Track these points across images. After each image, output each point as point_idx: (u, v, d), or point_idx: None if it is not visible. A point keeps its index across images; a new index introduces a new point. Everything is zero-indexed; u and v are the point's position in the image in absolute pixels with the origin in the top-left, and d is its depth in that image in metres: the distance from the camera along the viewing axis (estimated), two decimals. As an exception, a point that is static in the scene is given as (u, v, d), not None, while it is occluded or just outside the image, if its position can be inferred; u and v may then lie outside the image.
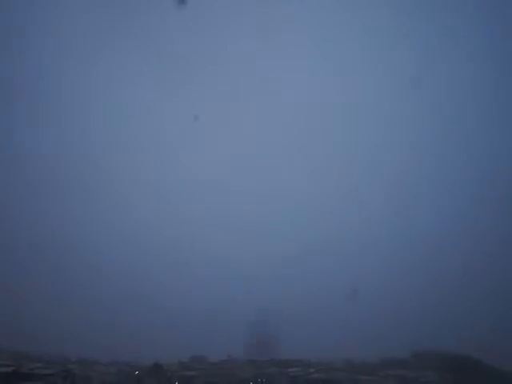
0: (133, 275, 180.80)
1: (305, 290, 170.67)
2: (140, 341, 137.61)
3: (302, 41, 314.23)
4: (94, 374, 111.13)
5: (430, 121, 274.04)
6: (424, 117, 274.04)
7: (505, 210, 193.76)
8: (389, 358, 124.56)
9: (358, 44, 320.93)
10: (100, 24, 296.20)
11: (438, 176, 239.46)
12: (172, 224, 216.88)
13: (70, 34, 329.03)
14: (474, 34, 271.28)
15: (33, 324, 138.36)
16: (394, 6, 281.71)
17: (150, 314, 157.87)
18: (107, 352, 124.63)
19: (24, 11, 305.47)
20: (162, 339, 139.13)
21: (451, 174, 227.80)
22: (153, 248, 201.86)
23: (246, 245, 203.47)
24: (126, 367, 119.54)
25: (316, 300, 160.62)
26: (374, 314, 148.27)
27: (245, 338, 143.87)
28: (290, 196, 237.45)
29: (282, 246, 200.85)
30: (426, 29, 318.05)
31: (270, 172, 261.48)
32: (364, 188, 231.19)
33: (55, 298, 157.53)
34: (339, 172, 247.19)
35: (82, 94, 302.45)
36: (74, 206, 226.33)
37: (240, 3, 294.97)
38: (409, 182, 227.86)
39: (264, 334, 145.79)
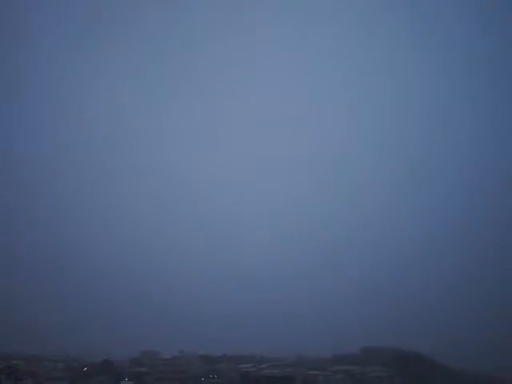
0: (82, 271, 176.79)
1: (258, 286, 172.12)
2: (90, 337, 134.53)
3: (306, 53, 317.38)
4: (41, 370, 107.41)
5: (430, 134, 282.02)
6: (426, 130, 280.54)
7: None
8: (339, 353, 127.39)
9: (364, 56, 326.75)
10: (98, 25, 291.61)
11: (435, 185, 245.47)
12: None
13: (68, 35, 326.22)
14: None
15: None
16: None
17: (100, 311, 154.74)
18: (55, 348, 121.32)
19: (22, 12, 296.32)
20: (113, 335, 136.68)
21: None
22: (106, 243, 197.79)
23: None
24: (75, 363, 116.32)
25: (269, 297, 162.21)
26: (325, 311, 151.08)
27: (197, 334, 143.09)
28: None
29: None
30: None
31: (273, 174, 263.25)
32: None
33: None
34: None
35: (81, 95, 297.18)
36: (73, 206, 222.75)
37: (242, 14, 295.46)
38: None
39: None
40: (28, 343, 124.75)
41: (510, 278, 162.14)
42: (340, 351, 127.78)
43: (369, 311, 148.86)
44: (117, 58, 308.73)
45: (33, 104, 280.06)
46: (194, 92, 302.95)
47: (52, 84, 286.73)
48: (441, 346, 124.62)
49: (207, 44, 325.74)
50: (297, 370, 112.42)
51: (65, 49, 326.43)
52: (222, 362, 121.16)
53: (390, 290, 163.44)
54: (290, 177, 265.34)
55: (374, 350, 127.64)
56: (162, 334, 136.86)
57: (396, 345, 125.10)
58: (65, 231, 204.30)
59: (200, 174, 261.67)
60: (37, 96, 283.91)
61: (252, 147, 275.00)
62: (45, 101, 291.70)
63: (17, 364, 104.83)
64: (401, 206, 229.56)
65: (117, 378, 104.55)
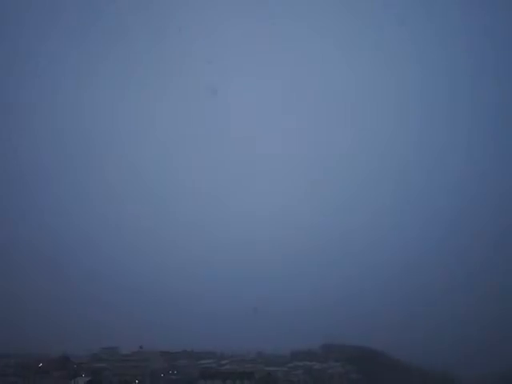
0: (40, 267, 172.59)
1: (218, 282, 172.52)
2: (48, 332, 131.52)
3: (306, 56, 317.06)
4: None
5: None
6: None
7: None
8: (298, 349, 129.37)
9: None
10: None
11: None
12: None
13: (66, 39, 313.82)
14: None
15: None
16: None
17: (59, 305, 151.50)
18: (10, 344, 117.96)
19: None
20: (73, 331, 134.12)
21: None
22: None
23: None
24: (30, 359, 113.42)
25: (230, 294, 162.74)
26: (285, 309, 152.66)
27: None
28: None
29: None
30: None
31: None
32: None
33: None
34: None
35: (77, 94, 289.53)
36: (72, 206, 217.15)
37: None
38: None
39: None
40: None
41: (471, 277, 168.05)
42: (299, 348, 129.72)
43: (328, 308, 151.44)
44: (117, 57, 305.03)
45: (31, 105, 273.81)
46: (196, 94, 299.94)
47: (51, 84, 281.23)
48: (397, 343, 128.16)
49: (207, 43, 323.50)
50: (256, 366, 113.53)
51: (64, 49, 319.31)
52: (183, 358, 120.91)
53: (349, 288, 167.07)
54: (289, 176, 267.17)
55: (332, 347, 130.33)
56: (121, 330, 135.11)
57: (354, 342, 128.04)
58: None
59: (199, 172, 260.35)
60: (35, 97, 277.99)
61: (252, 147, 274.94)
62: (43, 102, 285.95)
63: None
64: (401, 205, 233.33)
65: (74, 374, 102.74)
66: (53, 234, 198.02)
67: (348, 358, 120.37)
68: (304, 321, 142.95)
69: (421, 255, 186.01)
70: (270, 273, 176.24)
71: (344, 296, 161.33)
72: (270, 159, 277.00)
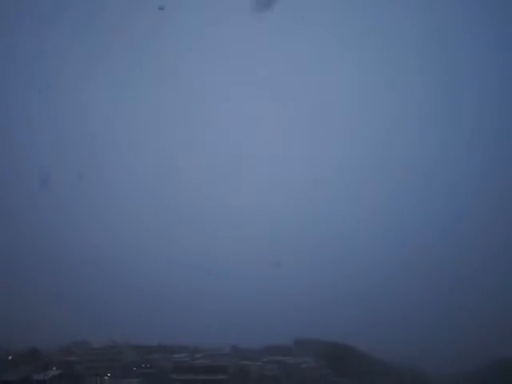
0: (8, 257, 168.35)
1: (192, 276, 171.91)
2: (17, 325, 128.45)
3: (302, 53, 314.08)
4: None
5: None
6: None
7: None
8: (272, 344, 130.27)
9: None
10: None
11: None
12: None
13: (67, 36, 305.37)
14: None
15: None
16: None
17: (27, 297, 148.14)
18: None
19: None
20: (42, 323, 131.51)
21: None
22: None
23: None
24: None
25: (204, 289, 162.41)
26: (259, 302, 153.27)
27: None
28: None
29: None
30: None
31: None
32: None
33: None
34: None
35: (77, 93, 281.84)
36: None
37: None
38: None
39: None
40: None
41: (448, 275, 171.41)
42: (273, 342, 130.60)
43: (302, 304, 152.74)
44: (116, 56, 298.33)
45: (30, 105, 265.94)
46: (193, 91, 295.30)
47: (51, 84, 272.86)
48: (370, 338, 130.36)
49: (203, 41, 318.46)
50: (230, 360, 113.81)
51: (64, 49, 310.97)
52: (156, 351, 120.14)
53: (322, 282, 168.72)
54: (289, 175, 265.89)
55: (306, 342, 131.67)
56: (93, 323, 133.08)
57: (327, 337, 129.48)
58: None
59: (198, 169, 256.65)
60: (33, 96, 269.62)
61: (251, 145, 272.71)
62: (41, 100, 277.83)
63: None
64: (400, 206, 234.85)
65: (44, 367, 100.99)
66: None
67: (321, 353, 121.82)
68: (278, 316, 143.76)
69: (394, 253, 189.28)
70: (245, 270, 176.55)
71: (318, 292, 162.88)
72: (270, 158, 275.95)
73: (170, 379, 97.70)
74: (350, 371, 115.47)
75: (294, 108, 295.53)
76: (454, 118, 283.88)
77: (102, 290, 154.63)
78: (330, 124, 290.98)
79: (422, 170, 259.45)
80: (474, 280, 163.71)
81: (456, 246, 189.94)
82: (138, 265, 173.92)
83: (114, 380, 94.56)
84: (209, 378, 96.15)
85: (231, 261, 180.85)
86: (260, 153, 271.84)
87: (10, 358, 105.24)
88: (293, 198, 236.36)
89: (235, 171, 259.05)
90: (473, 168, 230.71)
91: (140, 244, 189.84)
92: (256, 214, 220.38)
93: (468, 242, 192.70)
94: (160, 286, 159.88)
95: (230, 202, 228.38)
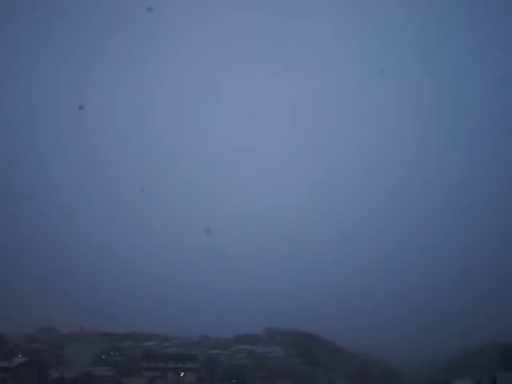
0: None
1: (164, 265, 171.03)
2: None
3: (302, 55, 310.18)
4: None
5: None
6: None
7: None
8: (242, 333, 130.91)
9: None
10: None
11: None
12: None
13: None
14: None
15: None
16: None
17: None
18: None
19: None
20: (7, 309, 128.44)
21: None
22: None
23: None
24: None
25: (174, 277, 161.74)
26: (230, 292, 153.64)
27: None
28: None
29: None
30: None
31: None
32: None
33: None
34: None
35: (77, 92, 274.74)
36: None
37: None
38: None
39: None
40: None
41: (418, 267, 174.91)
42: (243, 332, 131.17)
43: (272, 293, 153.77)
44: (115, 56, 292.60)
45: (28, 103, 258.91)
46: (196, 93, 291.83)
47: (50, 83, 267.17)
48: (339, 328, 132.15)
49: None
50: (200, 348, 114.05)
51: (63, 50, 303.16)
52: (125, 339, 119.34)
53: (294, 273, 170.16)
54: (288, 175, 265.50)
55: (275, 332, 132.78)
56: (61, 310, 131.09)
57: (297, 327, 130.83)
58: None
59: (198, 168, 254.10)
60: (34, 93, 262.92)
61: (253, 146, 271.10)
62: (42, 99, 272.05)
63: None
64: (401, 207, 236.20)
65: (9, 355, 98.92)
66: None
67: (290, 342, 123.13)
68: (249, 305, 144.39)
69: (362, 245, 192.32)
70: (218, 258, 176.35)
71: (288, 282, 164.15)
72: (270, 157, 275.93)
73: (139, 367, 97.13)
74: (320, 361, 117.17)
75: (293, 108, 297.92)
76: (454, 119, 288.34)
77: (71, 276, 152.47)
78: (330, 124, 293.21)
79: (422, 170, 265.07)
80: (438, 272, 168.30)
81: (422, 238, 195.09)
82: (108, 251, 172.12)
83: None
84: (178, 366, 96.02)
85: (201, 250, 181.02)
86: (264, 151, 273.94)
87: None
88: (288, 198, 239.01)
89: (239, 173, 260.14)
90: (473, 168, 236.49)
91: (110, 233, 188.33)
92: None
93: (435, 235, 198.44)
94: (130, 274, 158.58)
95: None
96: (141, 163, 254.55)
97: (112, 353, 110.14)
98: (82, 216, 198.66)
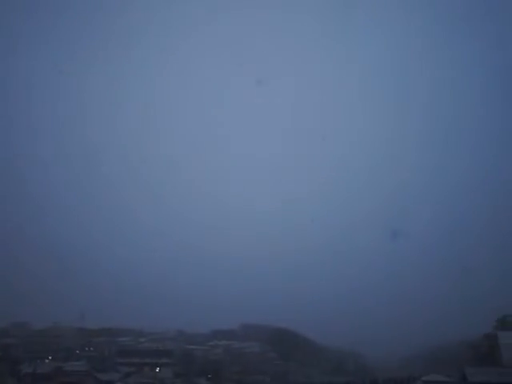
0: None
1: (140, 259, 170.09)
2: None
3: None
4: None
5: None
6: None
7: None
8: (219, 329, 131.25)
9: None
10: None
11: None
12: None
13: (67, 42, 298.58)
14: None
15: None
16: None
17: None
18: None
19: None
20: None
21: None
22: None
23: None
24: None
25: (150, 271, 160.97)
26: (206, 288, 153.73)
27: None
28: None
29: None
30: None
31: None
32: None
33: None
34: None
35: (79, 98, 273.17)
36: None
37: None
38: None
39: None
40: None
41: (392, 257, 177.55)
42: (220, 327, 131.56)
43: (249, 289, 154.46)
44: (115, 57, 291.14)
45: (30, 106, 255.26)
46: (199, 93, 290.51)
47: (50, 84, 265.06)
48: (312, 324, 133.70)
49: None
50: (176, 344, 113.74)
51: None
52: (100, 334, 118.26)
53: (270, 270, 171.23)
54: (289, 176, 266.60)
55: (251, 327, 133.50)
56: (34, 304, 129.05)
57: (272, 322, 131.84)
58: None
59: (199, 169, 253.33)
60: (33, 95, 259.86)
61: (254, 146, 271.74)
62: (43, 100, 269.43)
63: None
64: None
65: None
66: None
67: (266, 338, 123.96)
68: (225, 300, 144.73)
69: (338, 242, 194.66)
70: (194, 254, 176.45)
71: (264, 278, 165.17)
72: (272, 157, 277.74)
73: (113, 362, 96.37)
74: (295, 356, 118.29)
75: (293, 109, 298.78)
76: (455, 120, 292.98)
77: (45, 270, 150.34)
78: (331, 125, 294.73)
79: (423, 169, 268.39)
80: (408, 270, 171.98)
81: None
82: (83, 247, 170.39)
83: (56, 363, 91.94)
84: (153, 361, 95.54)
85: (178, 247, 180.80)
86: (266, 151, 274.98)
87: None
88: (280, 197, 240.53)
89: (241, 173, 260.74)
90: (474, 170, 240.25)
91: (81, 230, 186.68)
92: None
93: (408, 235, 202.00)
94: (106, 270, 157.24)
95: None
96: (142, 165, 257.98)
97: (87, 348, 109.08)
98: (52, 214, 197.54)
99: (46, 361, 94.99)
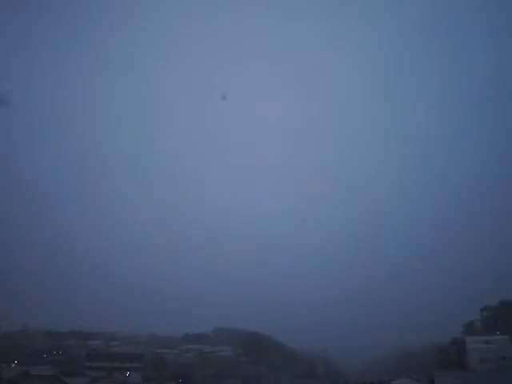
0: None
1: (110, 263, 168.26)
2: None
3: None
4: None
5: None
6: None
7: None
8: (191, 333, 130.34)
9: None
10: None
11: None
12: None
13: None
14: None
15: None
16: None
17: None
18: None
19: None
20: None
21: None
22: None
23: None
24: None
25: (122, 273, 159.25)
26: (179, 291, 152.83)
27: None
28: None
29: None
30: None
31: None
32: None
33: None
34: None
35: (79, 101, 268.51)
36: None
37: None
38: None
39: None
40: None
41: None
42: (192, 331, 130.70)
43: (222, 293, 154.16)
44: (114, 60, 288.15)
45: (30, 111, 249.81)
46: (201, 98, 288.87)
47: (50, 89, 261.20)
48: (284, 328, 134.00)
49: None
50: (147, 347, 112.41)
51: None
52: (70, 338, 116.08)
53: (242, 273, 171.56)
54: (291, 178, 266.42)
55: (223, 331, 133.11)
56: (3, 307, 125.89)
57: (244, 326, 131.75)
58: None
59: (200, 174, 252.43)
60: (34, 103, 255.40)
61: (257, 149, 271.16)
62: (41, 105, 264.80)
63: None
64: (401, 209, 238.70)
65: None
66: None
67: (238, 342, 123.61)
68: (197, 304, 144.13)
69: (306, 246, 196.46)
70: (166, 257, 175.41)
71: (236, 283, 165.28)
72: (274, 159, 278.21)
73: (83, 366, 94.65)
74: (266, 360, 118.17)
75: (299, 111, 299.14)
76: (457, 121, 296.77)
77: (16, 276, 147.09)
78: (334, 128, 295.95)
79: (425, 171, 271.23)
80: (378, 275, 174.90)
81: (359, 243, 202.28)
82: (52, 250, 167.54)
83: (22, 367, 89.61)
84: (124, 365, 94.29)
85: (150, 250, 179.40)
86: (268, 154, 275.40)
87: None
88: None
89: (244, 176, 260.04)
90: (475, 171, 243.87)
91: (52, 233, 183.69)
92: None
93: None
94: (78, 273, 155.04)
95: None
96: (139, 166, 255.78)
97: (55, 352, 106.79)
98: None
99: (12, 365, 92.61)
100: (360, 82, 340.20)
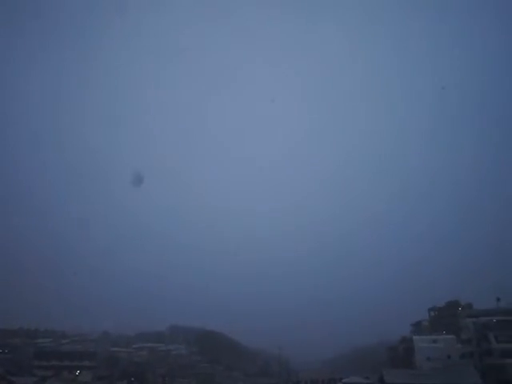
0: None
1: (62, 259, 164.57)
2: None
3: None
4: None
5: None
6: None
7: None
8: (146, 331, 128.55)
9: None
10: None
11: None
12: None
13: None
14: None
15: None
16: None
17: None
18: None
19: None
20: None
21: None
22: None
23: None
24: None
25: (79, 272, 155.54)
26: (135, 289, 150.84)
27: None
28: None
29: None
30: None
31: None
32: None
33: None
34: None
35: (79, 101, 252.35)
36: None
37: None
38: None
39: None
40: None
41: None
42: (147, 329, 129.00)
43: (177, 291, 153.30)
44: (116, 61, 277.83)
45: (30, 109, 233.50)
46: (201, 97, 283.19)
47: (51, 91, 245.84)
48: (239, 327, 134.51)
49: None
50: (99, 346, 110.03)
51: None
52: (17, 336, 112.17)
53: (199, 272, 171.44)
54: (293, 179, 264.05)
55: (178, 329, 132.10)
56: None
57: (200, 325, 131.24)
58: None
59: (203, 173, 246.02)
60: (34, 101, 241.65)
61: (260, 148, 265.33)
62: (43, 107, 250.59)
63: None
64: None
65: None
66: None
67: (193, 340, 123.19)
68: (153, 302, 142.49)
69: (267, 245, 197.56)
70: (119, 256, 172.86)
71: (193, 280, 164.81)
72: (278, 158, 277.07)
73: (30, 365, 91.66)
74: (221, 358, 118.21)
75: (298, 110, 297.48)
76: (458, 122, 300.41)
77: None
78: (333, 126, 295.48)
79: (425, 172, 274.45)
80: (332, 274, 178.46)
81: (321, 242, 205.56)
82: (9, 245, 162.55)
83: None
84: (74, 364, 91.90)
85: (104, 249, 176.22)
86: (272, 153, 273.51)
87: None
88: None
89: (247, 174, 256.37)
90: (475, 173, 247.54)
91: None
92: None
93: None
94: (30, 269, 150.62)
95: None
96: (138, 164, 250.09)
97: (1, 350, 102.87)
98: None
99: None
100: (360, 82, 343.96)
